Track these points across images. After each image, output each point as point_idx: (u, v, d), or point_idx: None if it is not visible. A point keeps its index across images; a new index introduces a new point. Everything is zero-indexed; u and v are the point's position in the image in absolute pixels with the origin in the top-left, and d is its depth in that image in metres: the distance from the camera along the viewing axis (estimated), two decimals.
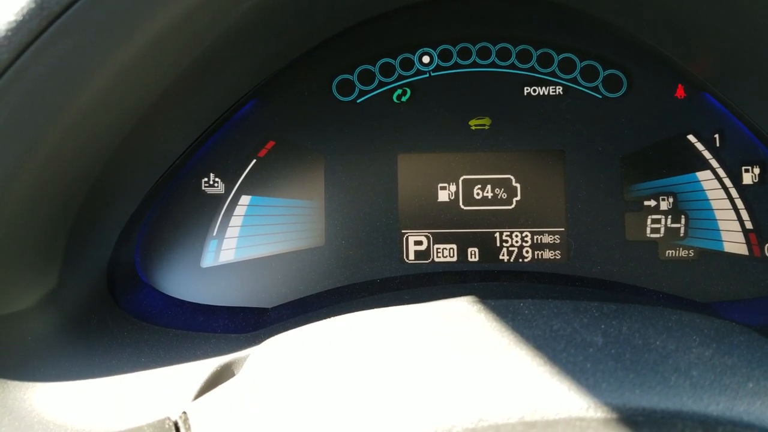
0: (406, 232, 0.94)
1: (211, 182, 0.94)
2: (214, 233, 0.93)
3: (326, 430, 0.46)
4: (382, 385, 0.49)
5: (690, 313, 0.64)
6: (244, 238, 0.93)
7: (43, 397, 0.66)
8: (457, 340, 0.54)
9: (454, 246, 0.94)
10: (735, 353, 0.55)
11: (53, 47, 0.57)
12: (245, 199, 0.93)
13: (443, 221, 0.94)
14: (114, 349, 0.74)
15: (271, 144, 0.94)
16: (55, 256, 0.72)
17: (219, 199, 0.93)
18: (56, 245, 0.71)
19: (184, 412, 0.57)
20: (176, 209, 0.92)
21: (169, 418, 0.56)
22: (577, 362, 0.48)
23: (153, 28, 0.59)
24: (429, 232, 0.94)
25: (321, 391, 0.51)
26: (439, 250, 0.94)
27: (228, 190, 0.93)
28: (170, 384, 0.68)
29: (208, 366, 0.69)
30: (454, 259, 0.94)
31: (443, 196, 0.94)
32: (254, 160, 0.94)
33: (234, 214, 0.93)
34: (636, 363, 0.49)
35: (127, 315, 0.81)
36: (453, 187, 0.94)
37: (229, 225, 0.93)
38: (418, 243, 0.94)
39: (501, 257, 0.93)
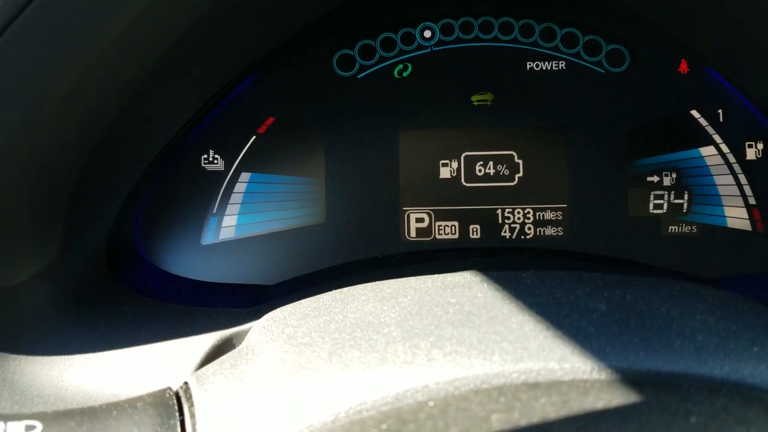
0: (408, 209, 0.94)
1: (211, 159, 0.93)
2: (214, 210, 0.92)
3: (328, 395, 0.46)
4: (382, 351, 0.48)
5: (694, 284, 0.64)
6: (245, 215, 0.93)
7: (42, 371, 0.66)
8: (458, 306, 0.54)
9: (456, 223, 0.94)
10: (739, 320, 0.55)
11: (44, 18, 0.57)
12: (245, 176, 0.93)
13: (445, 198, 0.94)
14: (114, 323, 0.74)
15: (270, 120, 0.93)
16: (54, 230, 0.72)
17: (219, 176, 0.93)
18: (54, 219, 0.71)
19: (186, 383, 0.56)
20: (176, 186, 0.92)
21: (170, 388, 0.56)
22: (581, 327, 0.48)
23: (135, 8, 0.58)
24: (431, 209, 0.94)
25: (323, 357, 0.50)
26: (440, 227, 0.94)
27: (228, 167, 0.93)
28: (171, 357, 0.68)
29: (209, 339, 0.69)
30: (456, 236, 0.93)
31: (445, 172, 0.94)
32: (254, 137, 0.93)
33: (234, 191, 0.93)
34: (640, 328, 0.49)
35: (126, 290, 0.81)
36: (455, 164, 0.94)
37: (229, 202, 0.93)
38: (419, 220, 0.94)
39: (503, 234, 0.93)
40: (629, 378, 0.42)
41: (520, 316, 0.51)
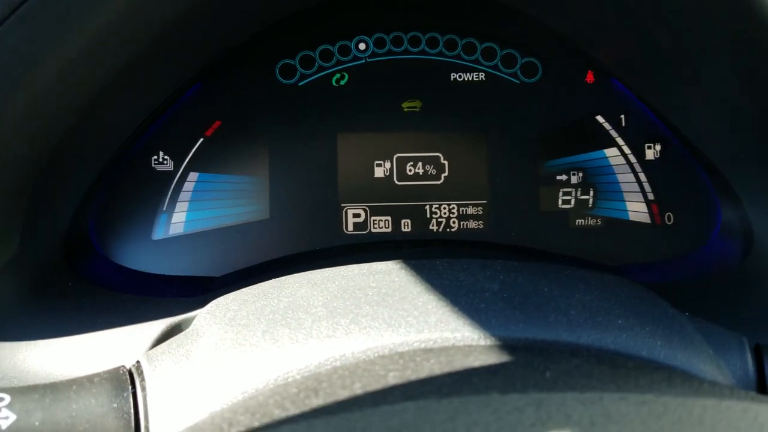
0: (346, 206, 1.02)
1: (161, 159, 1.00)
2: (164, 207, 0.99)
3: (260, 367, 0.54)
4: (308, 328, 0.57)
5: (584, 270, 0.73)
6: (193, 212, 0.99)
7: (7, 354, 0.71)
8: (377, 290, 0.62)
9: (389, 218, 1.02)
10: (614, 299, 0.64)
11: (11, 34, 0.63)
12: (193, 176, 1.00)
13: (379, 195, 1.02)
14: (72, 312, 0.79)
15: (217, 124, 1.00)
16: (13, 227, 0.77)
17: (168, 175, 0.99)
18: (15, 216, 0.76)
19: (138, 361, 0.63)
20: (128, 185, 0.98)
21: (123, 366, 0.63)
22: (473, 304, 0.57)
23: (97, 15, 0.64)
24: (366, 206, 1.02)
25: (257, 335, 0.58)
26: (375, 222, 1.02)
27: (177, 167, 0.99)
28: (125, 341, 0.74)
29: (159, 325, 0.76)
30: (390, 229, 1.02)
31: (379, 172, 1.02)
32: (201, 139, 1.00)
33: (183, 189, 0.99)
34: (523, 305, 0.58)
35: (83, 282, 0.86)
36: (388, 164, 1.02)
37: (179, 200, 0.99)
38: (356, 215, 1.02)
39: (431, 227, 1.02)
40: (505, 344, 0.52)
41: (427, 296, 0.60)
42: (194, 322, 0.69)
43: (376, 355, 0.52)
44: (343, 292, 0.63)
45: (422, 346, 0.52)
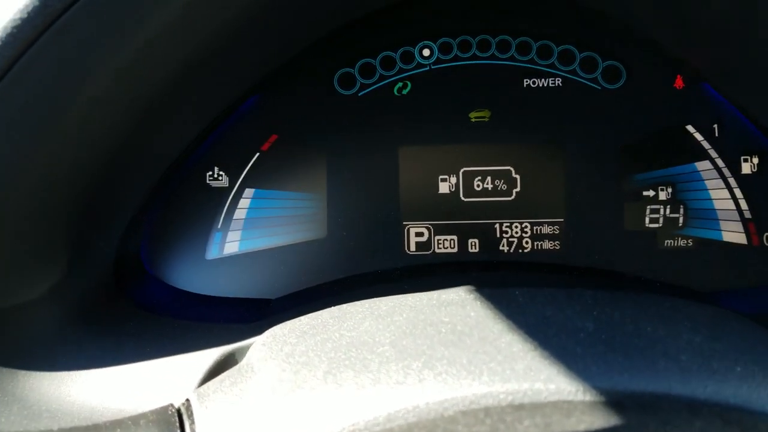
0: (408, 224, 0.95)
1: (216, 175, 0.95)
2: (219, 226, 0.95)
3: (322, 415, 0.48)
4: (375, 371, 0.50)
5: (684, 300, 0.65)
6: (248, 230, 0.95)
7: (50, 387, 0.68)
8: (451, 326, 0.55)
9: (455, 237, 0.95)
10: (725, 339, 0.56)
11: (56, 45, 0.59)
12: (249, 192, 0.95)
13: (444, 213, 0.95)
14: (120, 339, 0.76)
15: (274, 138, 0.95)
16: (61, 248, 0.74)
17: (223, 192, 0.95)
18: (62, 237, 0.73)
19: (187, 399, 0.58)
20: (181, 202, 0.94)
21: (172, 405, 0.58)
22: (567, 347, 0.50)
23: (152, 25, 0.60)
24: (430, 224, 0.95)
25: (318, 377, 0.52)
26: (440, 241, 0.95)
27: (232, 184, 0.95)
28: (174, 373, 0.70)
29: (211, 355, 0.71)
30: (455, 249, 0.95)
31: (444, 187, 0.95)
32: (258, 154, 0.95)
33: (238, 206, 0.95)
34: (626, 347, 0.50)
35: (133, 306, 0.83)
36: (453, 179, 0.95)
37: (234, 218, 0.95)
38: (419, 234, 0.96)
39: (501, 248, 0.94)
40: (612, 399, 0.44)
41: (510, 335, 0.53)
42: (249, 354, 0.64)
43: (455, 409, 0.44)
44: (412, 327, 0.57)
45: (510, 399, 0.44)
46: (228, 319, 0.83)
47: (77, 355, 0.72)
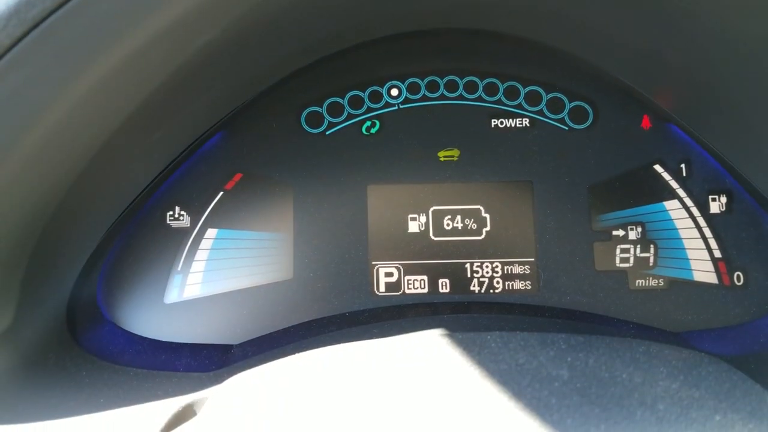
0: (377, 264, 0.93)
1: (177, 215, 0.92)
2: (179, 268, 0.91)
3: None
4: (345, 425, 0.47)
5: (658, 344, 0.63)
6: (210, 272, 0.91)
7: None
8: (422, 376, 0.53)
9: (425, 277, 0.93)
10: (702, 385, 0.55)
11: (24, 64, 0.56)
12: (212, 233, 0.92)
13: (414, 252, 0.93)
14: (72, 389, 0.71)
15: (238, 176, 0.93)
16: (11, 294, 0.69)
17: (184, 232, 0.92)
18: (11, 282, 0.69)
19: None
20: (140, 243, 0.91)
21: None
22: (542, 398, 0.47)
23: (109, 62, 0.58)
24: (399, 264, 0.93)
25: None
26: (409, 282, 0.93)
27: (194, 224, 0.92)
28: (130, 425, 0.66)
29: (169, 407, 0.67)
30: (425, 290, 0.93)
31: (413, 227, 0.94)
32: (221, 193, 0.93)
33: (200, 248, 0.92)
34: (601, 397, 0.48)
35: (86, 354, 0.78)
36: (423, 218, 0.94)
37: (195, 259, 0.91)
38: (388, 274, 0.93)
39: (472, 288, 0.93)
40: None
41: (482, 386, 0.50)
42: (208, 406, 0.60)
43: None
44: (383, 376, 0.54)
45: None
46: (187, 367, 0.79)
47: (26, 407, 0.67)
